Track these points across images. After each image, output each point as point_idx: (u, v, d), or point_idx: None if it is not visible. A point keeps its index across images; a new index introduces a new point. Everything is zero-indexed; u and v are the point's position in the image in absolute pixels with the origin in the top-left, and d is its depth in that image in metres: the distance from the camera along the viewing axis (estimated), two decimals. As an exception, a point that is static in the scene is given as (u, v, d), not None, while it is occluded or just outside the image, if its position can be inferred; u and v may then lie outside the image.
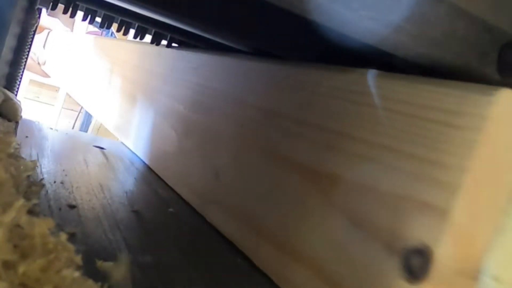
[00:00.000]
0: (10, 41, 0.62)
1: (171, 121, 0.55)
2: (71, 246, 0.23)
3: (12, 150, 0.39)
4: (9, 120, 0.57)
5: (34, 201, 0.34)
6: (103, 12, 0.52)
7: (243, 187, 0.38)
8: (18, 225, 0.22)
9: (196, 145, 0.48)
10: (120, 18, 0.52)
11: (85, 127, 2.10)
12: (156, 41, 0.58)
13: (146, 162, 0.61)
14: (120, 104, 0.77)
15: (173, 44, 0.61)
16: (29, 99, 2.58)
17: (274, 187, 0.34)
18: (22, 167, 0.37)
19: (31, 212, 0.31)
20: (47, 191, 0.38)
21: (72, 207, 0.37)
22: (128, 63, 0.77)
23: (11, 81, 0.68)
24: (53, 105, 2.68)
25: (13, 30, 0.62)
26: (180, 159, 0.51)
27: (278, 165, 0.34)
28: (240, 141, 0.40)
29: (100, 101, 0.91)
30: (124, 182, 0.50)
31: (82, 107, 2.16)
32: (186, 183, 0.49)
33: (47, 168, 0.46)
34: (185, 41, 0.56)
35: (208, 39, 0.46)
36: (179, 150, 0.52)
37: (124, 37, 0.67)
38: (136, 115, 0.67)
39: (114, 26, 0.56)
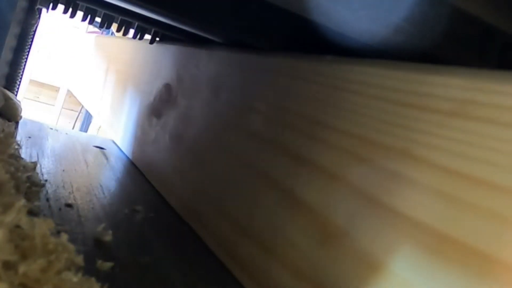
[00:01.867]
0: (10, 41, 0.62)
1: (153, 117, 0.55)
2: (71, 247, 0.23)
3: (12, 151, 0.39)
4: (9, 120, 0.57)
5: (35, 201, 0.34)
6: (103, 11, 0.52)
7: (224, 180, 0.38)
8: (18, 226, 0.22)
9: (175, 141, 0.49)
10: (120, 17, 0.52)
11: (85, 127, 2.10)
12: (154, 40, 0.58)
13: (131, 158, 0.61)
14: (111, 102, 0.77)
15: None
16: (29, 99, 2.58)
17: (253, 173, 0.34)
18: (22, 167, 0.37)
19: (31, 212, 0.31)
20: (47, 191, 0.38)
21: (69, 206, 0.37)
22: (120, 60, 0.78)
23: (11, 81, 0.68)
24: (53, 105, 2.68)
25: (13, 30, 0.62)
26: (159, 156, 0.52)
27: (260, 147, 0.34)
28: (223, 133, 0.40)
29: (96, 99, 0.91)
30: (124, 182, 0.50)
31: (82, 107, 2.16)
32: (158, 176, 0.51)
33: (47, 168, 0.46)
34: (184, 39, 0.56)
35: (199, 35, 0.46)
36: (160, 146, 0.52)
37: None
38: (124, 113, 0.68)
39: (114, 26, 0.56)
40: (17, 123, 0.60)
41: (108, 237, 0.32)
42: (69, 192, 0.41)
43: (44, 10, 0.66)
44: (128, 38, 0.63)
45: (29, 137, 0.57)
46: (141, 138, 0.58)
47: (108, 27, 0.55)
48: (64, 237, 0.23)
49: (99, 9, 0.51)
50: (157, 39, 0.59)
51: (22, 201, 0.23)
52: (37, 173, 0.40)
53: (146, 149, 0.55)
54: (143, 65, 0.64)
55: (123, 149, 0.65)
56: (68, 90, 2.57)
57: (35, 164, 0.41)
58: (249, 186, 0.34)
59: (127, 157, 0.62)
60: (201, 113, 0.44)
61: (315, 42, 0.33)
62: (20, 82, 0.70)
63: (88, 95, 1.00)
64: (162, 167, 0.50)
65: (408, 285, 0.20)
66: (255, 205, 0.32)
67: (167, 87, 0.53)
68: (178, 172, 0.46)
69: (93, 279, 0.23)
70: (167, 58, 0.55)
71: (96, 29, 1.51)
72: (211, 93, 0.43)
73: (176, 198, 0.45)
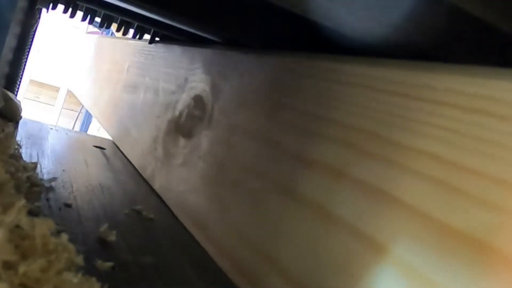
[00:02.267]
0: (10, 41, 0.62)
1: (179, 136, 0.54)
2: (71, 247, 0.23)
3: (12, 151, 0.39)
4: (9, 120, 0.57)
5: (35, 201, 0.34)
6: (102, 11, 0.52)
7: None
8: (18, 226, 0.22)
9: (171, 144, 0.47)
10: (119, 17, 0.52)
11: (85, 127, 2.10)
12: (153, 40, 0.58)
13: (145, 176, 0.60)
14: (115, 107, 0.77)
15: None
16: (29, 99, 2.58)
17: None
18: (22, 167, 0.37)
19: (31, 212, 0.31)
20: (47, 192, 0.38)
21: (68, 206, 0.37)
22: (134, 64, 0.77)
23: (11, 81, 0.68)
24: (53, 105, 2.68)
25: (13, 30, 0.62)
26: (189, 185, 0.49)
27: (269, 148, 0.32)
28: (224, 133, 0.38)
29: (98, 100, 0.91)
30: (124, 182, 0.50)
31: (82, 107, 2.16)
32: (188, 208, 0.47)
33: (47, 168, 0.46)
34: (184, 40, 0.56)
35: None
36: (191, 174, 0.47)
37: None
38: (130, 120, 0.67)
39: (114, 26, 0.56)
40: (17, 123, 0.60)
41: (111, 237, 0.32)
42: (69, 192, 0.41)
43: (44, 10, 0.66)
44: (138, 40, 0.61)
45: (29, 137, 0.57)
46: (163, 159, 0.50)
47: (108, 27, 0.55)
48: (64, 237, 0.23)
49: (98, 9, 0.52)
50: (157, 39, 0.59)
51: (22, 201, 0.23)
52: (37, 173, 0.40)
53: (171, 173, 0.48)
54: (160, 72, 0.57)
55: (129, 157, 0.64)
56: (68, 90, 2.57)
57: (35, 164, 0.41)
58: (321, 237, 0.26)
59: (127, 158, 0.62)
60: (251, 136, 0.35)
61: (315, 42, 0.33)
62: (20, 82, 0.70)
63: (90, 96, 1.00)
64: (195, 200, 0.40)
65: (412, 269, 0.20)
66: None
67: (199, 100, 0.44)
68: (217, 209, 0.36)
69: (93, 279, 0.23)
70: (197, 64, 0.48)
71: (96, 29, 1.51)
72: (266, 110, 0.34)
73: (214, 244, 0.36)
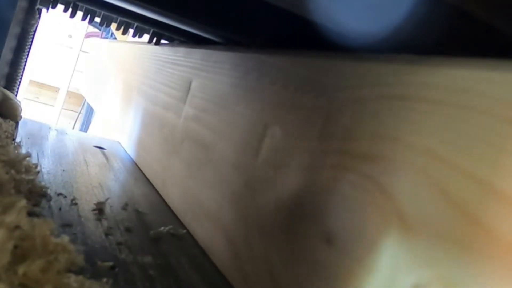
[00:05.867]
0: (10, 42, 0.62)
1: (158, 121, 0.54)
2: (71, 247, 0.23)
3: (12, 151, 0.39)
4: (9, 120, 0.57)
5: (35, 202, 0.34)
6: (102, 12, 0.52)
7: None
8: (18, 226, 0.22)
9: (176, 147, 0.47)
10: (119, 18, 0.52)
11: (85, 127, 2.10)
12: (153, 40, 0.58)
13: (135, 159, 0.60)
14: (118, 103, 0.76)
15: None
16: (29, 100, 2.58)
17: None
18: (22, 168, 0.37)
19: (31, 213, 0.31)
20: (47, 192, 0.38)
21: (69, 206, 0.37)
22: (126, 63, 0.77)
23: (11, 81, 0.68)
24: (52, 105, 2.68)
25: (13, 30, 0.62)
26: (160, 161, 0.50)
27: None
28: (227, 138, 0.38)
29: (103, 100, 0.90)
30: (124, 182, 0.50)
31: (81, 108, 2.17)
32: (161, 179, 0.49)
33: (47, 168, 0.46)
34: (184, 40, 0.56)
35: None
36: (162, 151, 0.50)
37: (124, 36, 0.66)
38: (130, 115, 0.67)
39: (113, 25, 0.56)
40: (17, 123, 0.60)
41: (111, 236, 0.32)
42: (69, 192, 0.40)
43: (44, 10, 0.66)
44: (131, 41, 0.61)
45: (29, 137, 0.57)
46: (148, 144, 0.53)
47: (107, 26, 0.55)
48: (64, 237, 0.23)
49: (98, 10, 0.51)
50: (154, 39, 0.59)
51: (22, 202, 0.23)
52: (37, 174, 0.40)
53: (153, 156, 0.51)
54: (147, 67, 0.60)
55: (128, 151, 0.64)
56: (68, 91, 2.57)
57: (35, 164, 0.40)
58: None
59: (127, 158, 0.62)
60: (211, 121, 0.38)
61: (315, 42, 0.33)
62: (20, 82, 0.70)
63: (103, 101, 0.98)
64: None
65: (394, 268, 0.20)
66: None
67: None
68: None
69: (93, 279, 0.23)
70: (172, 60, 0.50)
71: (96, 30, 1.51)
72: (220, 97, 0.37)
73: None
